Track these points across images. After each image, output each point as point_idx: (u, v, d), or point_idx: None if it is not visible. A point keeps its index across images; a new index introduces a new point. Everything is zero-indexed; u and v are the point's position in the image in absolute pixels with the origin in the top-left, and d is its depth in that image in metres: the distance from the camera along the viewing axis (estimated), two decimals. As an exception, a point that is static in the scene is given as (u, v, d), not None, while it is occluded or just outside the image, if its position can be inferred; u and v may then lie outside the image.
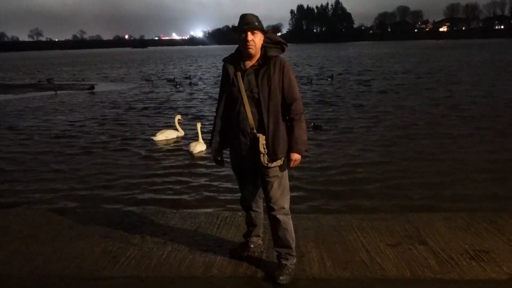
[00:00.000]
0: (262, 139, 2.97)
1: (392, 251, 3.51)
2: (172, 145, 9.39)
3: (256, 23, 2.94)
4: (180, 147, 9.11)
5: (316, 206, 5.62)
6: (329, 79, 23.67)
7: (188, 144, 8.82)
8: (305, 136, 3.07)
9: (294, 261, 3.23)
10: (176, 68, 40.97)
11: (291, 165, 3.09)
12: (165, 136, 9.83)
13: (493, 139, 8.86)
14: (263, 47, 3.02)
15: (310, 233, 3.88)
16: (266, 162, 3.00)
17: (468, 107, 12.96)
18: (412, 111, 12.48)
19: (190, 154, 8.45)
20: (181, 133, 10.08)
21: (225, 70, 3.12)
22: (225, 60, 3.15)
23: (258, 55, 3.02)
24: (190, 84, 23.74)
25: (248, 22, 2.93)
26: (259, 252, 3.55)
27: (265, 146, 2.98)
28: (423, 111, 12.45)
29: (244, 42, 2.94)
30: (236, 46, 3.12)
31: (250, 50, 2.96)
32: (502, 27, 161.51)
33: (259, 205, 3.39)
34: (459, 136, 9.15)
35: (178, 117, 10.30)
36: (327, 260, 3.39)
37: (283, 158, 3.05)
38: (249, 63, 3.04)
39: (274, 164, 3.03)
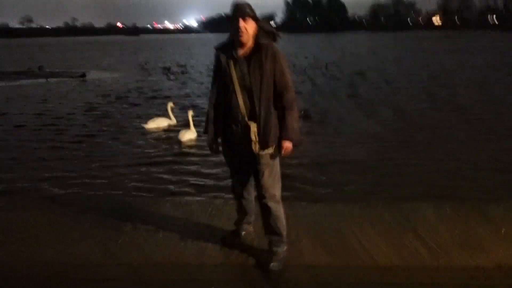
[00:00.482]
0: (253, 127, 2.98)
1: (382, 239, 3.54)
2: (163, 133, 9.35)
3: (248, 10, 2.92)
4: (171, 136, 9.07)
5: (308, 194, 5.64)
6: (324, 69, 23.61)
7: (178, 132, 8.81)
8: (296, 125, 3.07)
9: (285, 248, 3.25)
10: (169, 56, 40.65)
11: (282, 153, 3.10)
12: (156, 124, 9.77)
13: (484, 129, 8.93)
14: (255, 35, 3.00)
15: (302, 221, 3.90)
16: (257, 149, 3.01)
17: (459, 96, 13.04)
18: (404, 102, 12.53)
19: (179, 142, 8.45)
20: (173, 121, 10.02)
21: (217, 58, 3.11)
22: (217, 48, 3.13)
23: (250, 43, 2.99)
24: (183, 72, 23.59)
25: (239, 9, 2.91)
26: (250, 239, 3.57)
27: (256, 134, 2.98)
28: (414, 102, 12.50)
29: (236, 30, 2.92)
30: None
31: (242, 37, 2.93)
32: (494, 16, 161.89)
33: (250, 193, 3.40)
34: (450, 127, 9.20)
35: (171, 104, 10.24)
36: (318, 247, 3.42)
37: (274, 146, 3.05)
38: (241, 51, 3.01)
39: (266, 151, 3.03)
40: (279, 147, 3.07)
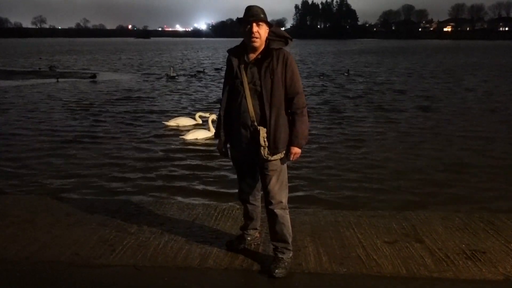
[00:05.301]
0: (262, 132, 2.95)
1: (388, 248, 3.51)
2: (181, 133, 9.36)
3: (262, 15, 2.92)
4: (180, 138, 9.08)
5: (314, 201, 5.61)
6: (345, 74, 23.74)
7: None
8: (306, 130, 3.06)
9: (291, 255, 3.23)
10: (184, 60, 40.87)
11: (291, 159, 3.08)
12: (176, 123, 9.89)
13: (494, 141, 8.84)
14: (267, 40, 3.00)
15: (307, 228, 3.88)
16: (266, 155, 2.99)
17: (473, 109, 12.95)
18: (415, 111, 12.46)
19: (183, 140, 8.57)
20: (198, 121, 10.07)
21: (229, 61, 3.11)
22: (230, 51, 3.13)
23: (262, 48, 3.00)
24: (194, 75, 23.79)
25: (253, 14, 2.91)
26: (255, 245, 3.55)
27: (265, 139, 2.96)
28: (425, 112, 12.43)
29: (249, 34, 2.92)
30: (240, 38, 3.10)
31: (255, 42, 2.94)
32: (506, 29, 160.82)
33: (257, 199, 3.39)
34: (459, 138, 9.13)
35: (200, 113, 10.27)
36: (323, 255, 3.39)
37: (283, 151, 3.04)
38: (252, 56, 3.01)
39: (274, 157, 3.02)
40: (287, 152, 3.05)
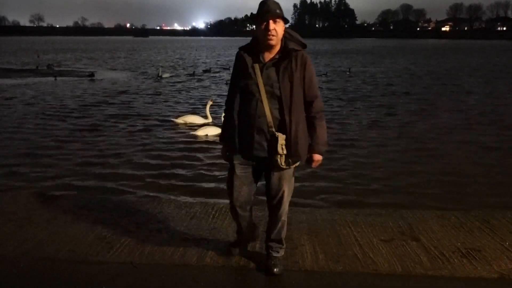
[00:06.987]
0: (281, 138, 2.72)
1: (384, 246, 3.53)
2: (188, 130, 9.40)
3: (278, 11, 2.65)
4: (188, 134, 9.11)
5: (311, 200, 5.63)
6: (347, 73, 23.87)
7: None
8: (326, 135, 2.91)
9: (283, 251, 3.21)
10: (183, 59, 40.82)
11: (313, 166, 2.95)
12: (184, 120, 10.02)
13: (490, 141, 8.87)
14: (283, 39, 2.77)
15: (304, 226, 3.89)
16: (283, 163, 2.78)
17: (469, 109, 12.99)
18: (413, 112, 12.48)
19: (194, 136, 8.68)
20: (209, 119, 10.07)
21: (241, 60, 2.83)
22: (242, 49, 2.86)
23: (278, 47, 2.77)
24: (193, 74, 23.85)
25: (269, 10, 2.65)
26: (252, 243, 3.55)
27: (283, 147, 2.74)
28: (422, 112, 12.45)
29: (265, 32, 2.66)
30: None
31: (272, 40, 2.69)
32: (504, 28, 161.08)
33: (250, 209, 3.13)
34: (458, 136, 9.17)
35: (211, 102, 10.36)
36: (320, 253, 3.41)
37: (303, 159, 2.89)
38: (268, 55, 2.77)
39: (292, 166, 2.84)
40: (309, 160, 2.92)
